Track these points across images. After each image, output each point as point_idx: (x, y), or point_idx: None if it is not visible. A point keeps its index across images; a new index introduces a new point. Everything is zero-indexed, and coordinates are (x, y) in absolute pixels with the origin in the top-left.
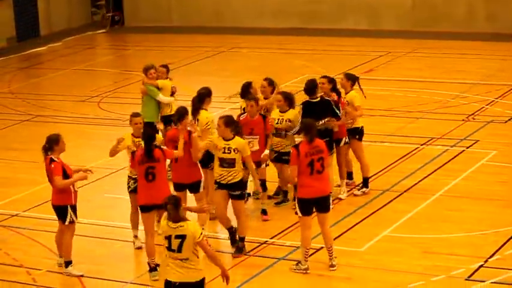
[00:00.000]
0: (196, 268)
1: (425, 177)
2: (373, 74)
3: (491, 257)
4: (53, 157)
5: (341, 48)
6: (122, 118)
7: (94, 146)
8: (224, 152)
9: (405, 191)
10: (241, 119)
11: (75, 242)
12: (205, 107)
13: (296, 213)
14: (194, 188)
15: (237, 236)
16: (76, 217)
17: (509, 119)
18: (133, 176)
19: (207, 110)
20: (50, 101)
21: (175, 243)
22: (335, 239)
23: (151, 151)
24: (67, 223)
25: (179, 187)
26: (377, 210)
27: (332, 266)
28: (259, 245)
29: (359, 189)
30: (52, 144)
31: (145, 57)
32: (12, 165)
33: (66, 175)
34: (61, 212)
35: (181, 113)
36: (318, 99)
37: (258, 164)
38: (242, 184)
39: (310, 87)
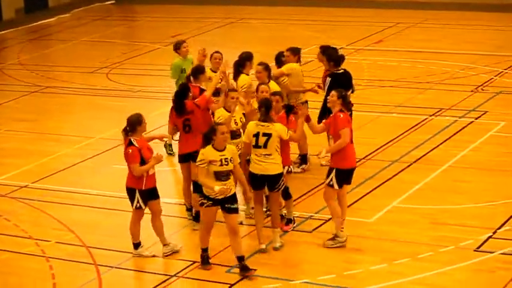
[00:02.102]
0: (277, 163)
1: (434, 148)
2: (382, 44)
3: (500, 227)
4: (132, 139)
5: (349, 19)
6: (131, 89)
7: (102, 118)
8: (221, 165)
9: (414, 162)
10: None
11: (83, 213)
12: (246, 71)
13: (332, 185)
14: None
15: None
16: (145, 204)
17: None
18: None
19: (248, 75)
20: (58, 73)
21: (261, 140)
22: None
23: (182, 106)
24: (133, 207)
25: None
26: (386, 181)
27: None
28: (268, 216)
29: (298, 166)
30: (135, 125)
31: (154, 28)
32: (21, 136)
33: (143, 160)
34: (130, 194)
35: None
36: (342, 71)
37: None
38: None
39: (337, 57)
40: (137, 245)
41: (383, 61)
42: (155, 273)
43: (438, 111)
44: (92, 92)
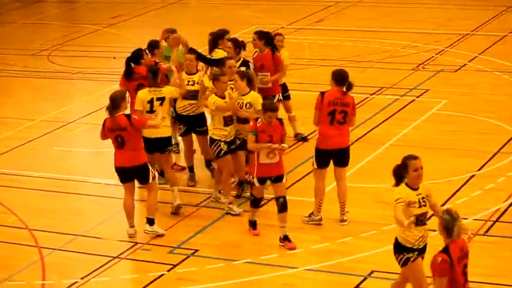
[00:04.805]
0: (169, 126)
1: (375, 127)
2: (323, 24)
3: (442, 205)
4: (125, 114)
5: None
6: (71, 71)
7: (44, 99)
8: (420, 206)
9: (355, 141)
10: (258, 125)
11: (26, 195)
12: (221, 46)
13: (312, 164)
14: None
15: None
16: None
17: (459, 68)
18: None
19: (224, 50)
20: None
21: (156, 104)
22: (287, 188)
23: (130, 71)
24: (151, 181)
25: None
26: None
27: (343, 220)
28: (209, 197)
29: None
30: (120, 101)
31: (94, 9)
32: None
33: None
34: (142, 171)
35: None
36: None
37: (279, 179)
38: None
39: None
40: (152, 221)
41: (324, 40)
42: (98, 255)
43: (379, 90)
44: (34, 74)
